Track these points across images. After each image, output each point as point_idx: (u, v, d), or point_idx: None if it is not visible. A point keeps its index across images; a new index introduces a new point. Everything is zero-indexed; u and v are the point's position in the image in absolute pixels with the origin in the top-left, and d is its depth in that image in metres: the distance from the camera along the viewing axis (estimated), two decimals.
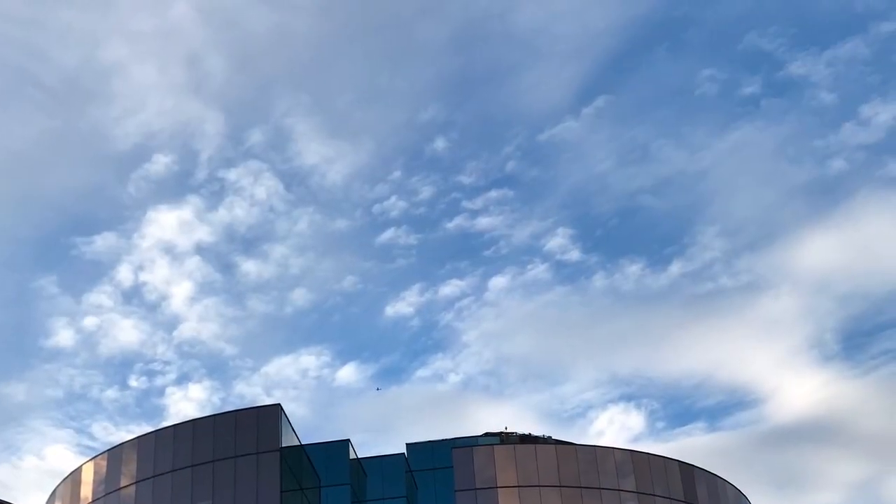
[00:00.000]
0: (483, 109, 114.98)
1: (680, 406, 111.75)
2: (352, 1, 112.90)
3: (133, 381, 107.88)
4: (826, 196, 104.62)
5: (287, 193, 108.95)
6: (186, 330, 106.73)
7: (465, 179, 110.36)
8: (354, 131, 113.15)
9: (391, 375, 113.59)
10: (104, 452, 49.89)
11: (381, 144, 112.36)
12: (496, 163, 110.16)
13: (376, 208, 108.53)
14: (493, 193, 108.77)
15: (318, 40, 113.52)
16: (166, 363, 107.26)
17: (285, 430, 46.27)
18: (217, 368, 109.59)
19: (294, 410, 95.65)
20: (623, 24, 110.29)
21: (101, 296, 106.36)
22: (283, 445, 45.68)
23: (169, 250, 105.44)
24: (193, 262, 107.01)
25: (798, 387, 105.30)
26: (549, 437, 56.87)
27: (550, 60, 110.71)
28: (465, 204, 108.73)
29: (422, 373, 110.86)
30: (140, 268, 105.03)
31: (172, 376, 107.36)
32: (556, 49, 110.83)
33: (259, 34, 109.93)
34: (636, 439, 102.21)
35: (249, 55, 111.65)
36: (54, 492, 52.77)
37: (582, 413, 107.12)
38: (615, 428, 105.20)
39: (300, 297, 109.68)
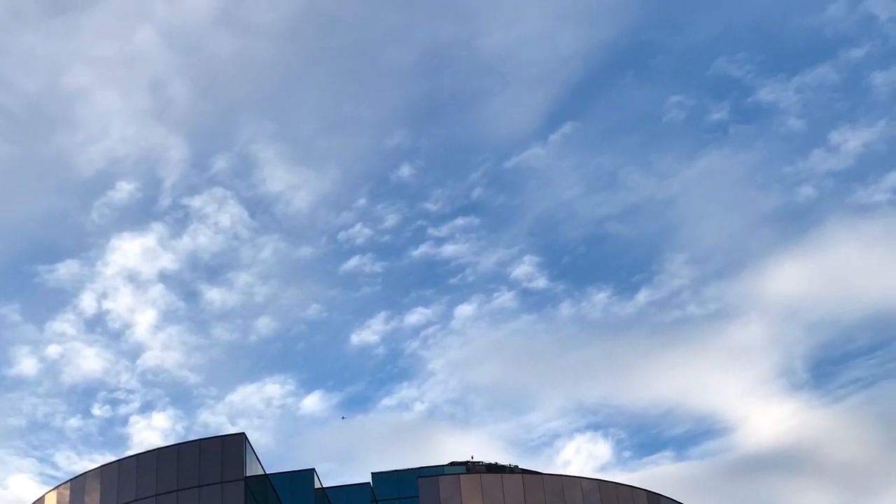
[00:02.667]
0: (449, 136, 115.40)
1: (647, 435, 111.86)
2: (317, 26, 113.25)
3: (96, 410, 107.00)
4: (795, 223, 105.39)
5: (251, 221, 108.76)
6: (150, 358, 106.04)
7: (431, 207, 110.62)
8: (319, 158, 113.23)
9: (356, 404, 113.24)
10: (67, 482, 49.54)
11: (347, 171, 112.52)
12: (462, 190, 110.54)
13: (341, 236, 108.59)
14: (459, 221, 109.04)
15: (283, 66, 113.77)
16: (130, 392, 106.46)
17: (250, 459, 46.13)
18: (181, 397, 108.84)
19: (259, 439, 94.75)
20: (590, 49, 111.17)
21: (64, 324, 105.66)
22: (248, 475, 45.51)
23: (132, 278, 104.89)
24: (157, 290, 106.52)
25: (767, 415, 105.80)
26: (516, 467, 56.97)
27: (517, 86, 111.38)
28: (431, 231, 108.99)
29: (387, 401, 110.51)
30: (103, 296, 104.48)
31: (136, 405, 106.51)
32: (523, 75, 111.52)
33: (223, 60, 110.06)
34: (603, 468, 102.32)
35: (214, 81, 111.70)
36: None
37: (549, 442, 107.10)
38: (582, 457, 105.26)
39: (264, 325, 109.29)
